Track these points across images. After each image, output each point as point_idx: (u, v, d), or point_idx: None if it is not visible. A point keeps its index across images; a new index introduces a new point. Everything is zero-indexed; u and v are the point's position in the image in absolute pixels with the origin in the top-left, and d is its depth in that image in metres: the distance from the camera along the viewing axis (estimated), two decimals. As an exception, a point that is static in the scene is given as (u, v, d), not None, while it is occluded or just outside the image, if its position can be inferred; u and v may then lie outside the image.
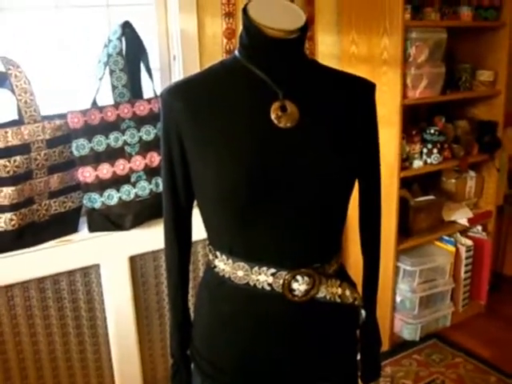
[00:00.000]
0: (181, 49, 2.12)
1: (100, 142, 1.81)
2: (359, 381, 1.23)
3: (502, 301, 3.04)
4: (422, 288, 2.66)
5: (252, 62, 1.02)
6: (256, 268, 1.00)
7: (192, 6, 2.10)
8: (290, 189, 0.97)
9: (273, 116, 0.99)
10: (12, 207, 1.68)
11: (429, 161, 2.53)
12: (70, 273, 1.87)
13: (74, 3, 1.96)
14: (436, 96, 2.49)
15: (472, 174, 2.87)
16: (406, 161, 2.48)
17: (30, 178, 1.72)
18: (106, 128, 1.82)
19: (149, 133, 1.90)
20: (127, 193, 1.88)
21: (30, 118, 1.70)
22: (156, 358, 2.15)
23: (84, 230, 1.89)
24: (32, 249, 1.76)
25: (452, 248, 2.74)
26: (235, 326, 1.06)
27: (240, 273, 1.01)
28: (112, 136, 1.84)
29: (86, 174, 1.81)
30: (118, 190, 1.87)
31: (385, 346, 2.57)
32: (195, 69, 2.08)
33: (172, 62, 2.17)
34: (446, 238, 2.76)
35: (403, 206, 2.51)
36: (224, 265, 1.04)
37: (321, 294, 1.02)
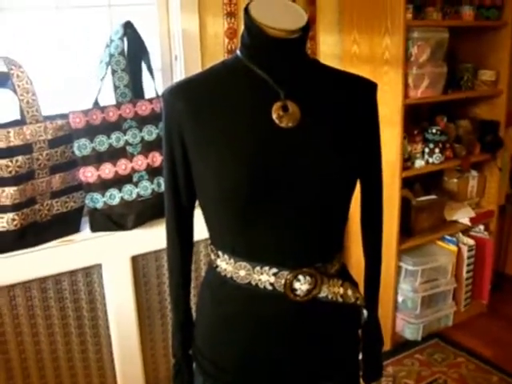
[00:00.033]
0: (182, 49, 2.12)
1: (102, 142, 1.82)
2: (361, 380, 1.23)
3: (504, 300, 3.04)
4: (423, 288, 2.66)
5: (253, 62, 1.02)
6: (258, 267, 1.00)
7: (194, 5, 2.10)
8: (291, 188, 0.97)
9: (274, 116, 0.99)
10: (14, 207, 1.68)
11: (430, 160, 2.53)
12: (72, 273, 1.88)
13: (75, 4, 1.96)
14: (438, 96, 2.49)
15: (474, 173, 2.87)
16: (407, 160, 2.48)
17: (32, 178, 1.73)
18: (108, 128, 1.82)
19: (151, 133, 1.90)
20: (129, 193, 1.88)
21: (32, 118, 1.71)
22: (158, 357, 2.16)
23: (86, 229, 1.89)
24: (34, 249, 1.76)
25: (454, 248, 2.74)
26: (237, 325, 1.06)
27: (242, 272, 1.01)
28: (114, 136, 1.84)
29: (87, 174, 1.81)
30: (119, 190, 1.87)
31: (387, 346, 2.57)
32: (197, 69, 2.08)
33: (174, 61, 2.17)
34: (448, 237, 2.76)
35: (405, 206, 2.51)
36: (226, 264, 1.04)
37: (323, 294, 1.02)
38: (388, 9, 2.27)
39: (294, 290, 1.01)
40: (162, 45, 2.16)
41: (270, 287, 1.00)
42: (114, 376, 2.04)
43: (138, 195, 1.90)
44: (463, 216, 2.79)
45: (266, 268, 1.00)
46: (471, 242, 2.81)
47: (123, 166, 1.86)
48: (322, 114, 1.03)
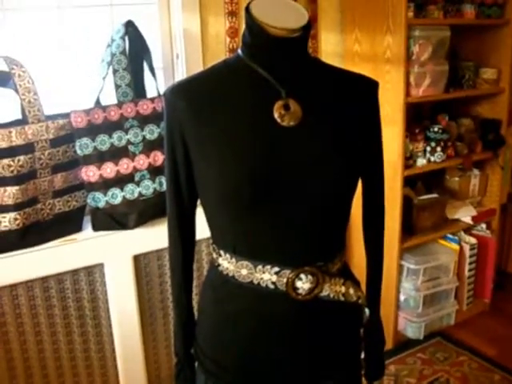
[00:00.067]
0: (184, 48, 2.12)
1: (103, 142, 1.82)
2: (363, 379, 1.23)
3: (507, 299, 3.04)
4: (425, 286, 2.66)
5: (255, 61, 1.01)
6: (260, 266, 1.00)
7: (195, 5, 2.10)
8: (293, 187, 0.97)
9: (276, 115, 0.99)
10: (16, 207, 1.68)
11: (432, 159, 2.53)
12: (74, 272, 1.88)
13: (76, 3, 1.96)
14: (439, 94, 2.48)
15: (476, 172, 2.87)
16: (409, 159, 2.48)
17: (34, 177, 1.73)
18: (110, 127, 1.82)
19: (152, 132, 1.90)
20: (131, 192, 1.88)
21: (34, 118, 1.71)
22: (160, 356, 2.16)
23: (88, 229, 1.90)
24: (36, 248, 1.77)
25: (456, 246, 2.74)
26: (239, 324, 1.06)
27: (244, 271, 1.02)
28: (115, 135, 1.84)
29: (89, 174, 1.81)
30: (121, 189, 1.87)
31: (389, 345, 2.56)
32: (198, 68, 2.08)
33: (175, 61, 2.17)
34: (450, 236, 2.76)
35: (407, 205, 2.51)
36: (228, 263, 1.04)
37: (324, 293, 1.02)
38: (389, 7, 2.27)
39: (295, 289, 1.01)
40: (164, 44, 2.16)
41: (271, 286, 1.00)
42: (116, 375, 2.04)
43: (140, 194, 1.90)
44: (465, 214, 2.79)
45: (268, 267, 1.00)
46: (473, 240, 2.81)
47: (125, 166, 1.86)
48: (323, 113, 1.03)
